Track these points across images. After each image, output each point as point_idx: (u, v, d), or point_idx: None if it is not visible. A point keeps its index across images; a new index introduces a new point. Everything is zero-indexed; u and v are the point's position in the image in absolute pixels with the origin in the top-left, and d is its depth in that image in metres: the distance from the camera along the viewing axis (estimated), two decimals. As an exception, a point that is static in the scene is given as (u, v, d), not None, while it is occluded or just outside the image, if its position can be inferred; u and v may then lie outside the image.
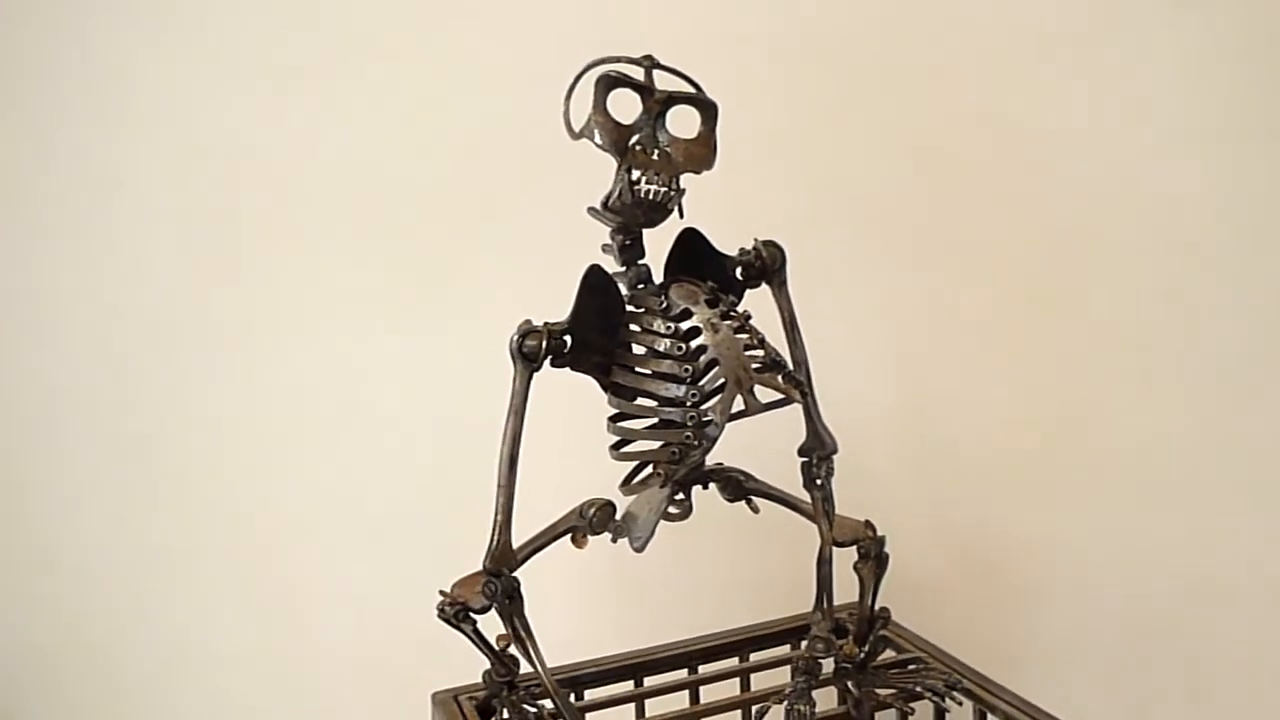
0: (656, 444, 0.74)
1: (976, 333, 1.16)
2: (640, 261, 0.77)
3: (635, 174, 0.70)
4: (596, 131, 0.71)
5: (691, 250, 0.78)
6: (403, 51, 1.11)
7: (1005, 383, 1.18)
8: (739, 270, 0.80)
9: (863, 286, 1.16)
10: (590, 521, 0.78)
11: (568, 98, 0.72)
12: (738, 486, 0.86)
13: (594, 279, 0.75)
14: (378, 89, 1.11)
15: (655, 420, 0.74)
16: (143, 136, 1.06)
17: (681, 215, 0.73)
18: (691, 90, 0.74)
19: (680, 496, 0.80)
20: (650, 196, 0.70)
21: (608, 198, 0.71)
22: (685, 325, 0.73)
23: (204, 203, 1.08)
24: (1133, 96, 1.12)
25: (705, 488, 0.85)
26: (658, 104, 0.73)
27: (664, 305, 0.73)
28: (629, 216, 0.72)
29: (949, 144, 1.14)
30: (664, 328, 0.73)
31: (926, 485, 1.19)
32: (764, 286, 0.82)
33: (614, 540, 0.80)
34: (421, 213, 1.12)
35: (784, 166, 1.11)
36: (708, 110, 0.74)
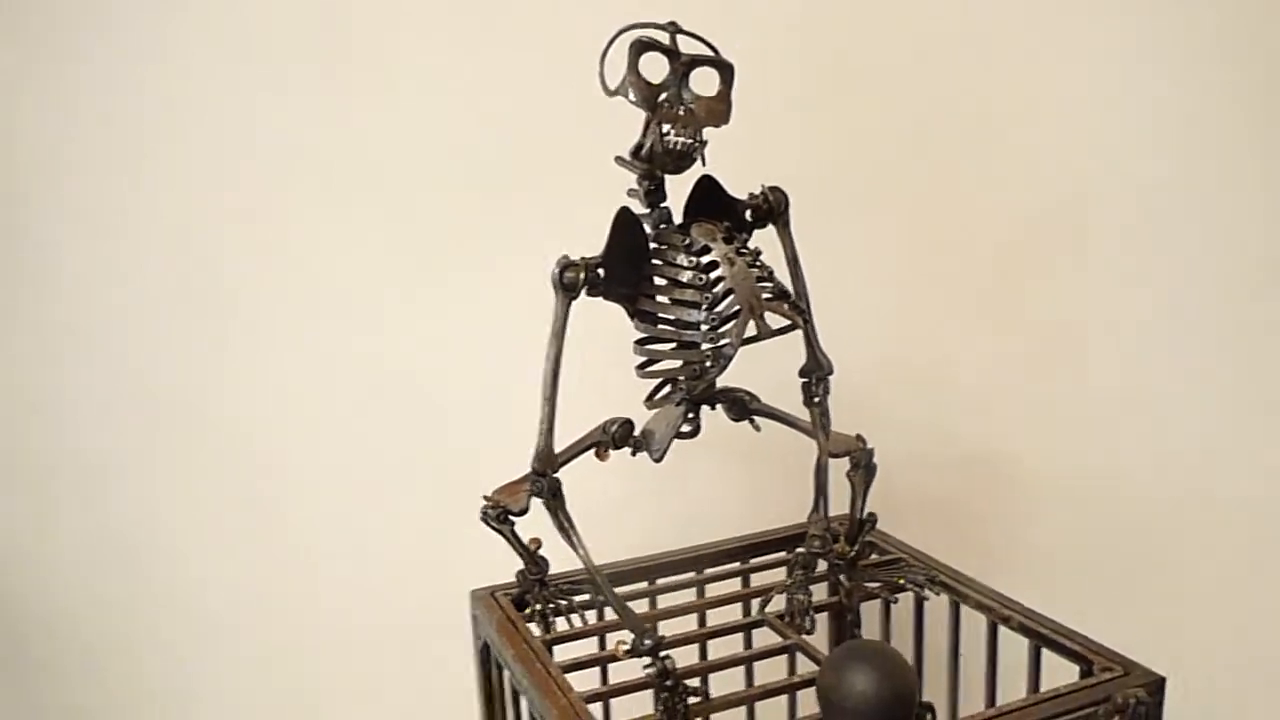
0: (678, 363, 0.85)
1: (977, 283, 1.25)
2: (663, 204, 0.87)
3: (665, 127, 0.80)
4: (631, 90, 0.81)
5: (708, 195, 0.88)
6: (434, 23, 1.17)
7: (1002, 327, 1.27)
8: (749, 212, 0.90)
9: (869, 235, 1.25)
10: (613, 437, 0.89)
11: (602, 59, 0.83)
12: (742, 407, 0.97)
13: (623, 218, 0.85)
14: (398, 67, 1.17)
15: (677, 343, 0.85)
16: (170, 121, 1.08)
17: (704, 163, 0.83)
18: (711, 53, 0.84)
19: (691, 415, 0.91)
20: (678, 147, 0.80)
21: (638, 148, 0.82)
22: (705, 260, 0.84)
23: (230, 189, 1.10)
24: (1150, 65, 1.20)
25: (713, 408, 0.96)
26: (683, 65, 0.83)
27: (687, 242, 0.84)
28: (660, 164, 0.82)
29: (959, 113, 1.22)
30: (687, 261, 0.84)
31: (922, 411, 1.30)
32: (770, 228, 0.92)
33: (634, 453, 0.92)
34: (447, 184, 1.18)
35: (796, 124, 1.20)
36: (725, 71, 0.84)
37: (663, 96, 0.82)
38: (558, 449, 0.90)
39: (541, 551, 0.96)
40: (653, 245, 0.86)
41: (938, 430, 1.28)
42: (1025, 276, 1.27)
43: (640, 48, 0.81)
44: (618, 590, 0.99)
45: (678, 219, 0.88)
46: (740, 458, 1.14)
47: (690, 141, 0.80)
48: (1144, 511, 1.32)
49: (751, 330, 0.83)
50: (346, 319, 1.14)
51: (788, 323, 0.84)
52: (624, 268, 0.86)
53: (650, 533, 1.14)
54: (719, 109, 0.83)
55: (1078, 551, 1.31)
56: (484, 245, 1.20)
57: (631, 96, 0.81)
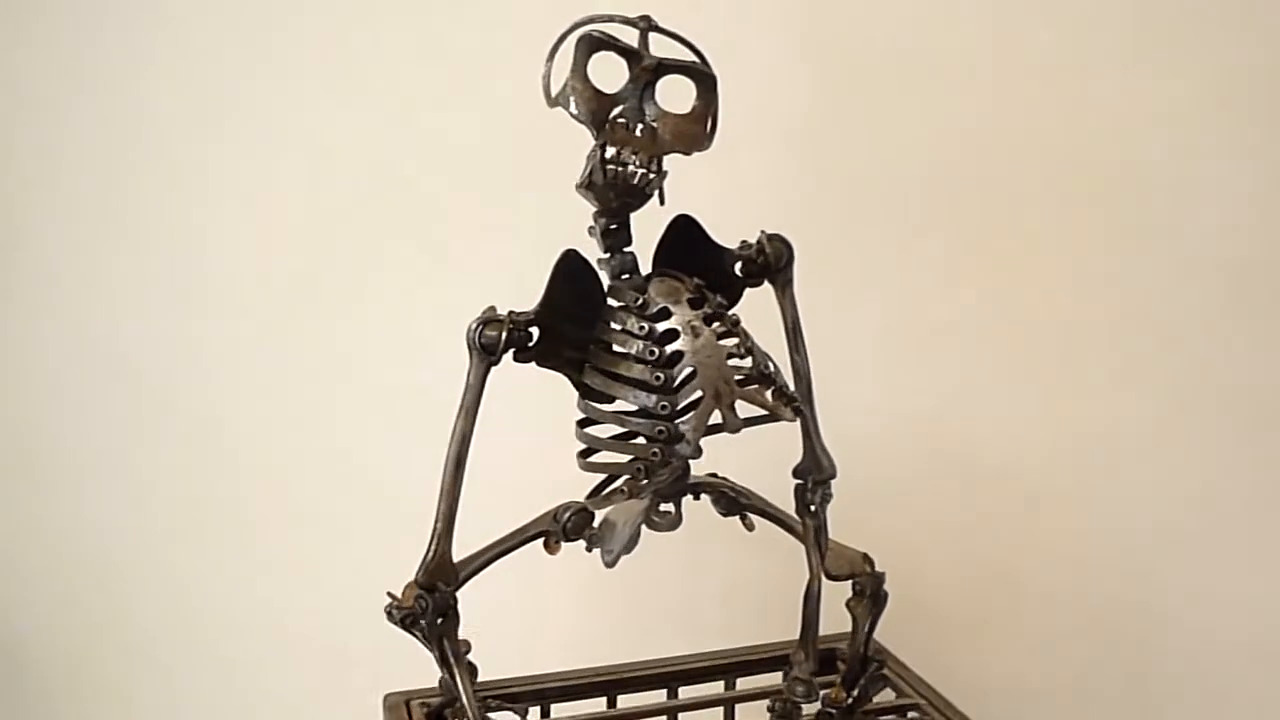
0: (623, 458, 0.65)
1: (999, 338, 1.07)
2: (626, 249, 0.68)
3: (609, 151, 0.60)
4: (572, 99, 0.62)
5: (684, 240, 0.69)
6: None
7: (1034, 392, 1.07)
8: (738, 265, 0.71)
9: (877, 287, 1.07)
10: (564, 527, 0.70)
11: (550, 58, 0.63)
12: (730, 502, 0.77)
13: (567, 265, 0.67)
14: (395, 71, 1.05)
15: (621, 430, 0.65)
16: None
17: (662, 202, 0.64)
18: (689, 59, 0.64)
19: (665, 508, 0.71)
20: (624, 178, 0.60)
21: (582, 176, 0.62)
22: (662, 326, 0.64)
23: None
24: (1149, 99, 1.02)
25: (696, 498, 0.76)
26: (647, 72, 0.63)
27: (639, 302, 0.64)
28: (600, 198, 0.63)
29: (971, 138, 1.04)
30: (638, 327, 0.64)
31: (946, 504, 1.09)
32: (766, 287, 0.73)
33: (589, 549, 0.73)
34: (448, 185, 1.06)
35: (793, 154, 1.00)
36: (705, 82, 0.64)
37: (617, 110, 0.62)
38: (490, 536, 0.70)
39: (472, 655, 0.76)
40: (609, 302, 0.67)
41: (968, 525, 1.08)
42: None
43: (590, 45, 0.62)
44: (568, 708, 0.82)
45: (648, 268, 0.69)
46: (727, 545, 0.93)
47: (642, 171, 0.60)
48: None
49: (716, 419, 0.64)
50: (346, 321, 1.07)
51: (764, 412, 0.63)
52: (568, 326, 0.68)
53: (614, 634, 1.00)
54: (691, 131, 0.63)
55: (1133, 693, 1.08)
56: (485, 246, 1.07)
57: (572, 108, 0.61)
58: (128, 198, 1.04)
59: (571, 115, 0.63)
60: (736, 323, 0.66)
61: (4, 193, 1.03)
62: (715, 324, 0.65)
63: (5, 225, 1.04)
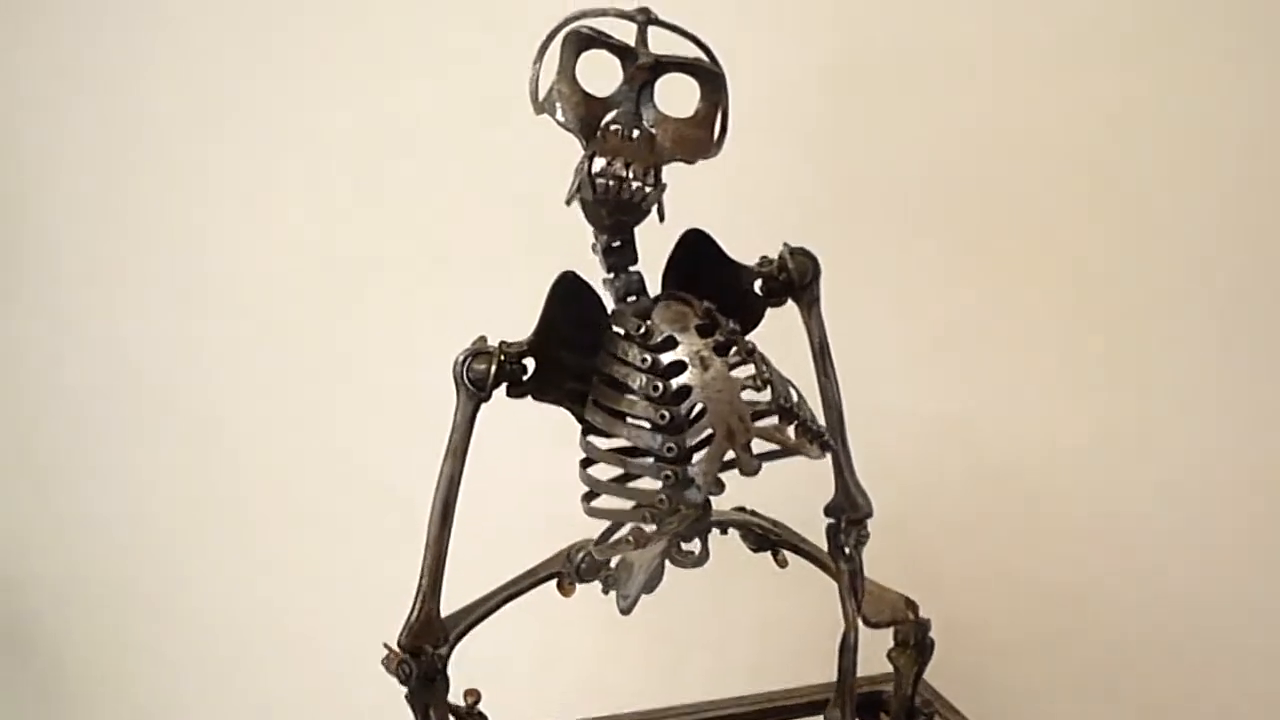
0: (628, 504, 0.58)
1: (1038, 344, 0.99)
2: (631, 268, 0.61)
3: (599, 163, 0.53)
4: (559, 105, 0.54)
5: (696, 258, 0.62)
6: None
7: (1085, 404, 0.99)
8: (758, 284, 0.64)
9: (910, 295, 0.99)
10: (578, 568, 0.64)
11: (537, 59, 0.56)
12: (760, 537, 0.70)
13: (566, 287, 0.60)
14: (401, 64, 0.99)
15: (624, 474, 0.58)
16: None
17: (661, 218, 0.56)
18: (691, 56, 0.56)
19: (688, 547, 0.64)
20: (614, 192, 0.53)
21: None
22: (668, 357, 0.57)
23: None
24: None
25: (724, 533, 0.69)
26: (644, 71, 0.56)
27: (642, 330, 0.57)
28: (590, 216, 0.56)
29: (971, 138, 0.96)
30: (640, 359, 0.57)
31: (993, 530, 1.00)
32: (789, 306, 0.66)
33: (604, 591, 0.65)
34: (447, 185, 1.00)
35: (809, 158, 0.93)
36: (711, 81, 0.57)
37: (611, 116, 0.55)
38: (499, 578, 0.66)
39: (484, 704, 0.70)
40: (612, 328, 0.61)
41: (1019, 553, 1.00)
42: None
43: (579, 43, 0.55)
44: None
45: (657, 289, 0.62)
46: (758, 581, 0.86)
47: (636, 184, 0.52)
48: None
49: (729, 457, 0.58)
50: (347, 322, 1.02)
51: (781, 447, 0.56)
52: (568, 355, 0.62)
53: (637, 678, 0.94)
54: (694, 137, 0.56)
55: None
56: (487, 249, 1.01)
57: (559, 114, 0.54)
58: (128, 197, 1.01)
59: (558, 122, 0.56)
60: (752, 350, 0.58)
61: (4, 192, 1.00)
62: (727, 353, 0.58)
63: (5, 224, 1.01)
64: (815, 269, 0.64)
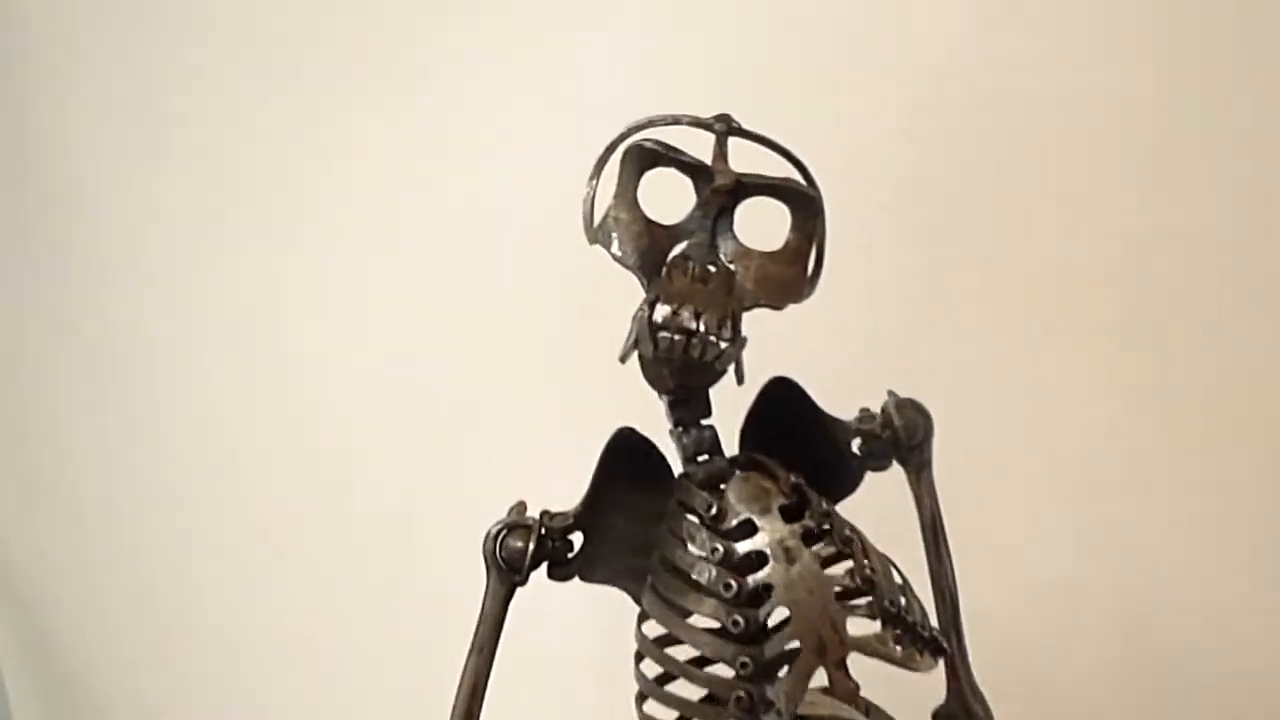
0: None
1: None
2: (703, 421, 0.50)
3: (661, 311, 0.42)
4: (615, 235, 0.44)
5: (781, 411, 0.51)
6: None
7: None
8: (856, 442, 0.53)
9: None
10: None
11: (593, 175, 0.45)
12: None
13: (622, 447, 0.50)
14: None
15: (688, 679, 0.46)
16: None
17: (740, 379, 0.45)
18: (780, 176, 0.45)
19: None
20: (681, 349, 0.42)
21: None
22: (744, 547, 0.45)
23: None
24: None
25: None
26: (721, 195, 0.45)
27: (714, 512, 0.45)
28: (651, 376, 0.44)
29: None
30: (708, 548, 0.45)
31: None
32: (894, 470, 0.54)
33: None
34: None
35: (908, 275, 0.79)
36: (805, 207, 0.46)
37: (679, 250, 0.44)
38: None
39: None
40: (677, 498, 0.50)
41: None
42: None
43: (641, 159, 0.44)
44: None
45: (734, 448, 0.52)
46: None
47: (709, 337, 0.41)
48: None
49: (821, 680, 0.46)
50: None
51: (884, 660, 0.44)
52: (625, 526, 0.51)
53: None
54: (784, 276, 0.45)
55: None
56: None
57: (615, 247, 0.43)
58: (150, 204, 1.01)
59: (614, 257, 0.45)
60: (850, 540, 0.46)
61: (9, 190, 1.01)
62: (819, 543, 0.46)
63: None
64: (927, 426, 0.52)
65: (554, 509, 0.51)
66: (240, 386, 1.03)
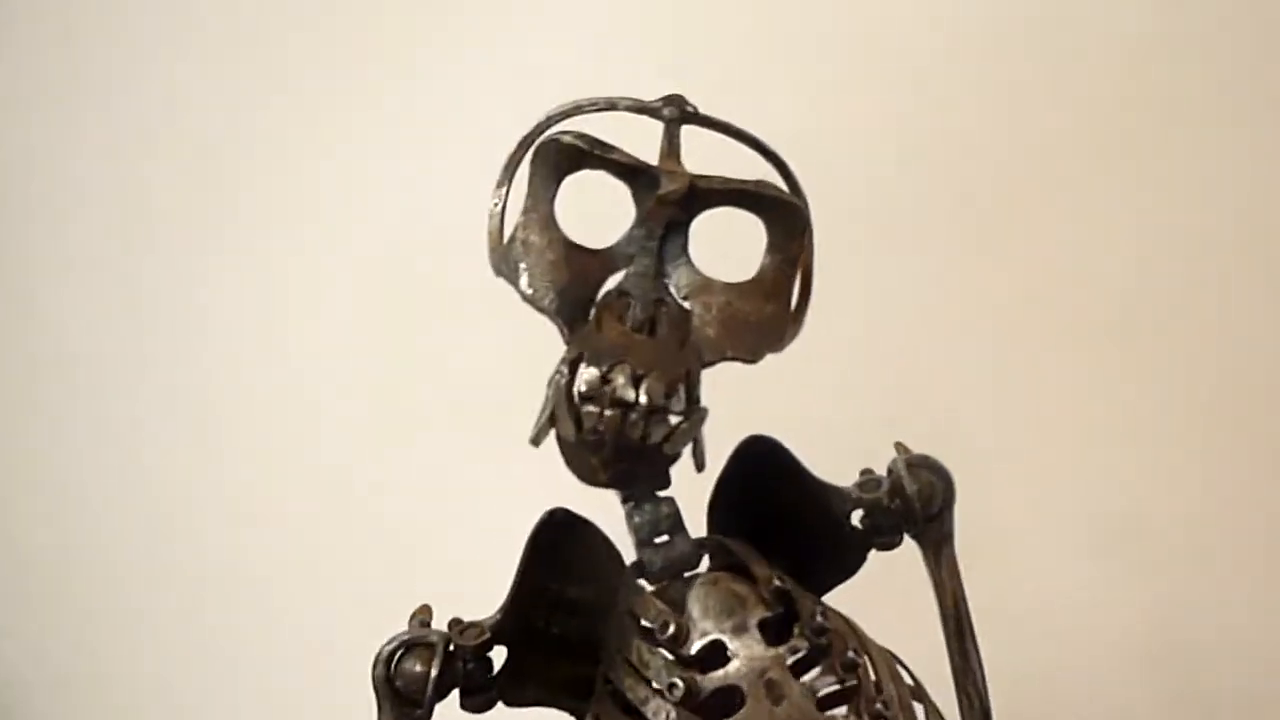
0: None
1: None
2: (660, 494, 0.38)
3: (587, 375, 0.30)
4: (522, 266, 0.31)
5: (759, 479, 0.40)
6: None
7: None
8: (858, 515, 0.41)
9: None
10: None
11: (502, 182, 0.33)
12: None
13: (552, 532, 0.38)
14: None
15: None
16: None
17: (700, 466, 0.33)
18: (754, 178, 0.32)
19: None
20: (614, 429, 0.30)
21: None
22: (712, 681, 0.33)
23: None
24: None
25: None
26: (670, 206, 0.32)
27: (671, 631, 0.33)
28: (575, 465, 0.32)
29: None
30: (665, 681, 0.34)
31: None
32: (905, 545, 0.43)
33: None
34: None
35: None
36: (784, 220, 0.33)
37: (615, 283, 0.32)
38: None
39: None
40: (623, 604, 0.38)
41: None
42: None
43: (558, 160, 0.31)
44: None
45: (699, 528, 0.40)
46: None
47: (647, 410, 0.29)
48: None
49: None
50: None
51: None
52: (566, 627, 0.40)
53: None
54: (757, 317, 0.33)
55: None
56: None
57: (523, 283, 0.31)
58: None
59: (522, 295, 0.32)
60: (853, 665, 0.34)
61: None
62: (812, 671, 0.34)
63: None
64: (947, 492, 0.41)
65: (466, 617, 0.39)
66: (239, 387, 0.98)
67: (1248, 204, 0.68)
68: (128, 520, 0.99)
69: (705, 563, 0.40)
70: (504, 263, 0.34)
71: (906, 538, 0.43)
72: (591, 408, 0.31)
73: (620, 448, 0.32)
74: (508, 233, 0.36)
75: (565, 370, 0.32)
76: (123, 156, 0.94)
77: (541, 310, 0.34)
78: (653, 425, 0.32)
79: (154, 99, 0.92)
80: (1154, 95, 0.69)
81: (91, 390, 1.00)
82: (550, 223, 0.34)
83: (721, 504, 0.41)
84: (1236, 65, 0.69)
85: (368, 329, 0.90)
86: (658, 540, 0.38)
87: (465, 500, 0.82)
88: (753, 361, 0.34)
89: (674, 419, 0.32)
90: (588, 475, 0.33)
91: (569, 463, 0.33)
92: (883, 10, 0.75)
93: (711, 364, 0.34)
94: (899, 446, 0.43)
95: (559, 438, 0.33)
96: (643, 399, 0.31)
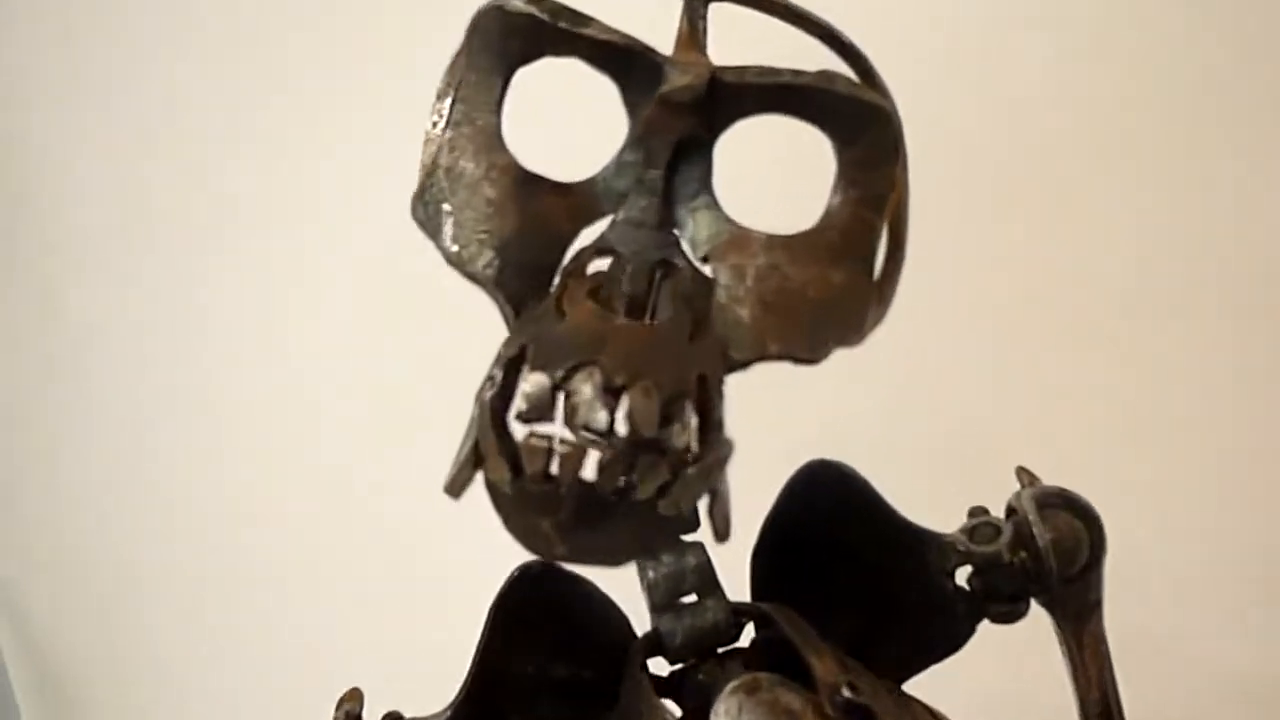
0: None
1: None
2: (684, 538, 0.27)
3: (531, 382, 0.17)
4: (447, 210, 0.18)
5: (822, 524, 0.29)
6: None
7: None
8: (964, 572, 0.30)
9: None
10: None
11: (445, 92, 0.20)
12: None
13: (523, 594, 0.28)
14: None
15: None
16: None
17: (722, 534, 0.22)
18: (812, 71, 0.19)
19: None
20: (572, 468, 0.18)
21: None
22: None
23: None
24: None
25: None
26: (684, 114, 0.19)
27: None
28: (513, 524, 0.20)
29: None
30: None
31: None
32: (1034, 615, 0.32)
33: None
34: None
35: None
36: (862, 133, 0.20)
37: (593, 235, 0.19)
38: None
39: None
40: (626, 695, 0.28)
41: None
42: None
43: (505, 44, 0.18)
44: None
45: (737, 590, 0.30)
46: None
47: (632, 443, 0.17)
48: None
49: None
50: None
51: None
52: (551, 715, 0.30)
53: None
54: (816, 290, 0.20)
55: None
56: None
57: (447, 236, 0.18)
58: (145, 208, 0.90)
59: (444, 254, 0.19)
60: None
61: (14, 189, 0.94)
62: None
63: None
64: (1096, 542, 0.31)
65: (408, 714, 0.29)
66: (240, 388, 0.94)
67: (1248, 204, 0.65)
68: (125, 521, 0.95)
69: (744, 636, 0.29)
70: (420, 204, 0.22)
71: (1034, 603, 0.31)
72: (537, 439, 0.19)
73: (586, 506, 0.19)
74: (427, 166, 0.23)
75: (497, 376, 0.19)
76: (123, 156, 0.89)
77: (472, 277, 0.21)
78: (641, 469, 0.19)
79: (154, 99, 0.87)
80: (1154, 95, 0.66)
81: (93, 389, 0.97)
82: (492, 141, 0.22)
83: (770, 553, 0.30)
84: (1237, 65, 0.66)
85: (368, 329, 0.84)
86: (681, 602, 0.28)
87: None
88: (812, 361, 0.21)
89: (677, 459, 0.19)
90: (538, 546, 0.21)
91: (507, 524, 0.21)
92: (883, 10, 0.70)
93: (743, 366, 0.21)
94: (1023, 474, 0.31)
95: (488, 486, 0.20)
96: (622, 424, 0.19)
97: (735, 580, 0.32)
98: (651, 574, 0.27)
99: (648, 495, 0.19)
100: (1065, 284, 0.67)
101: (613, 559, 0.21)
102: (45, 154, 0.95)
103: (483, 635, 0.28)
